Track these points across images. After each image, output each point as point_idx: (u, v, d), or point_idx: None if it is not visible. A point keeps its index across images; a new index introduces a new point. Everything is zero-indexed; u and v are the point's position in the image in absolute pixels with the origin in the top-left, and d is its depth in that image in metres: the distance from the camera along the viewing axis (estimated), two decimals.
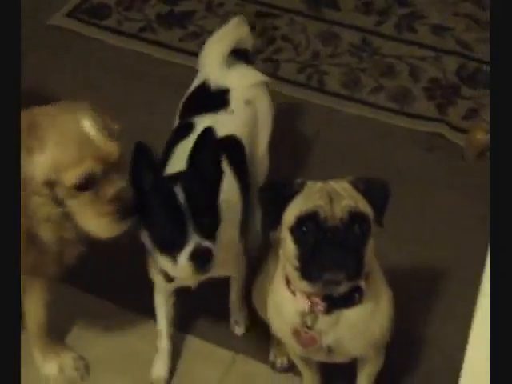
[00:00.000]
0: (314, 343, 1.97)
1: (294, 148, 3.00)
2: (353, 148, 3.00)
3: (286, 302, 1.98)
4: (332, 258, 1.84)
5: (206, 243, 1.93)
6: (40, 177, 1.89)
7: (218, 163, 2.02)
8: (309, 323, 1.94)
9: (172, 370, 2.40)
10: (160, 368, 2.37)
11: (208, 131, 2.00)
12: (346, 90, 3.20)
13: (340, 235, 1.84)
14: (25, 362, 2.36)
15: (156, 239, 1.99)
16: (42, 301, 2.33)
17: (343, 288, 1.91)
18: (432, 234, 2.73)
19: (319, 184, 1.90)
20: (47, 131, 1.90)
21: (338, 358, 2.07)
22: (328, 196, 1.86)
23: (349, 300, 1.94)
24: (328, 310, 1.93)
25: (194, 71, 2.55)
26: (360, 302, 1.94)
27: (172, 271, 2.08)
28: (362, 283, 1.94)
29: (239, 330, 2.48)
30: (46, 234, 2.01)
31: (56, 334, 2.43)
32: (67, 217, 1.97)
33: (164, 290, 2.27)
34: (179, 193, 1.92)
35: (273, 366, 2.42)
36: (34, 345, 2.41)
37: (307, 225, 1.84)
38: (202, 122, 2.26)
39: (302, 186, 1.90)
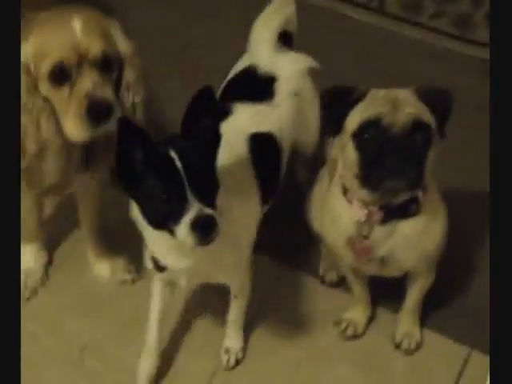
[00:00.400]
0: (368, 253, 1.98)
1: (350, 67, 2.97)
2: (409, 72, 2.96)
3: (342, 211, 1.99)
4: (394, 166, 1.82)
5: (208, 210, 1.72)
6: (24, 64, 1.91)
7: (215, 128, 1.82)
8: (364, 233, 1.94)
9: None
10: (146, 367, 2.22)
11: (206, 91, 1.77)
12: (407, 13, 3.15)
13: (402, 143, 1.82)
14: (79, 263, 2.48)
15: (150, 211, 1.77)
16: (92, 204, 2.37)
17: (401, 198, 1.91)
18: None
19: (383, 91, 1.88)
20: (37, 23, 1.93)
21: (390, 271, 2.07)
22: (391, 103, 1.84)
23: (405, 211, 1.93)
24: (384, 220, 1.93)
25: None
26: (416, 213, 1.94)
27: (162, 258, 1.93)
28: (420, 195, 1.93)
29: (230, 360, 2.27)
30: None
31: (111, 240, 2.47)
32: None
33: (161, 278, 2.11)
34: (175, 157, 1.72)
35: (322, 280, 2.43)
36: (87, 246, 2.45)
37: (369, 131, 1.83)
38: (241, 111, 2.11)
39: (365, 92, 1.88)
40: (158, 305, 2.17)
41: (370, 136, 1.83)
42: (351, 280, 2.25)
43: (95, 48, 1.90)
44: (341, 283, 2.41)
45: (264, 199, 2.10)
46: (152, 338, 2.20)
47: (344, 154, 1.91)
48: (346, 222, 1.98)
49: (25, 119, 1.94)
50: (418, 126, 1.83)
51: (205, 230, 1.71)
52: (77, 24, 1.90)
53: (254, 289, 2.28)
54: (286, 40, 2.30)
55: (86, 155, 2.09)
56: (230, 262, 1.99)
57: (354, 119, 1.86)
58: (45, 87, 1.93)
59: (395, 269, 2.06)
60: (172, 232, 1.74)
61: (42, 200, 2.38)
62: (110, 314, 2.38)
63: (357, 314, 2.32)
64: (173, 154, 1.72)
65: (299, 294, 2.43)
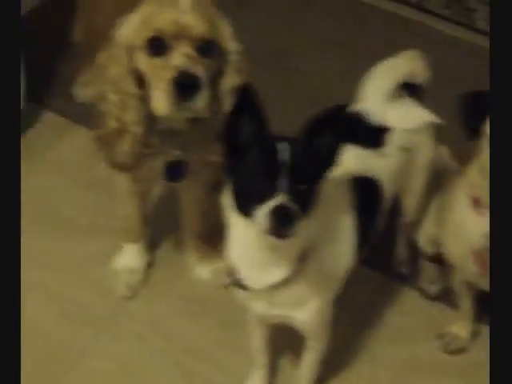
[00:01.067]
0: None
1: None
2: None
3: (471, 222, 1.96)
4: None
5: (294, 205, 1.68)
6: (129, 39, 1.92)
7: (335, 150, 1.76)
8: None
9: None
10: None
11: (341, 108, 1.75)
12: None
13: None
14: (179, 264, 2.47)
15: (240, 187, 1.74)
16: (196, 207, 2.36)
17: None
18: None
19: None
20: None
21: None
22: None
23: None
24: None
25: None
26: None
27: (243, 268, 1.84)
28: None
29: None
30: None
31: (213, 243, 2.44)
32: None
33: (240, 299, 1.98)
34: (283, 150, 1.69)
35: (423, 292, 2.42)
36: (189, 248, 2.44)
37: None
38: (349, 151, 1.96)
39: None
40: (257, 333, 2.14)
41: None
42: (461, 294, 2.24)
43: (198, 28, 1.89)
44: (442, 297, 2.40)
45: (358, 245, 2.00)
46: (259, 365, 2.20)
47: (480, 159, 1.89)
48: (475, 233, 1.96)
49: (114, 97, 1.95)
50: None
51: (282, 220, 1.67)
52: (188, 2, 1.90)
53: (352, 303, 2.30)
54: (412, 91, 2.19)
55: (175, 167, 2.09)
56: (311, 301, 1.92)
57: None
58: (141, 58, 1.92)
59: None
60: (251, 214, 1.70)
61: (147, 200, 2.37)
62: (211, 316, 2.37)
63: (461, 328, 2.30)
64: (283, 146, 1.70)
65: (398, 305, 2.42)
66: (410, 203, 2.29)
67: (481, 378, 2.25)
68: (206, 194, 2.30)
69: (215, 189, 2.15)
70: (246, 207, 1.72)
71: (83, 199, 2.59)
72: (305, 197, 1.71)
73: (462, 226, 2.00)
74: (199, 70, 1.88)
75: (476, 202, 1.96)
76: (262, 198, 1.67)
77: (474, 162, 1.95)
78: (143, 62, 1.93)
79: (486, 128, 1.86)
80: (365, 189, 2.01)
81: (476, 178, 1.94)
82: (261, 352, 2.18)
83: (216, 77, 1.97)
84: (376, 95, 2.12)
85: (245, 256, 1.83)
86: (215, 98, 1.97)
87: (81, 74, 2.74)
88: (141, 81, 1.95)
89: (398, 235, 2.43)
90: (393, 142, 2.09)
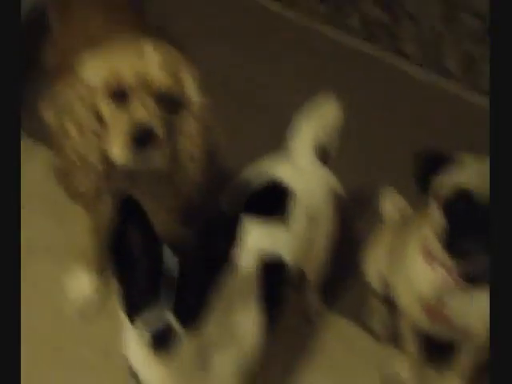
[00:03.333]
0: (445, 320, 2.01)
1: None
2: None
3: (422, 272, 2.01)
4: (480, 238, 1.84)
5: (175, 323, 1.62)
6: (92, 80, 1.94)
7: (230, 249, 1.70)
8: (444, 299, 1.98)
9: None
10: None
11: (237, 210, 1.76)
12: None
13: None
14: None
15: (126, 295, 1.67)
16: None
17: (481, 265, 1.92)
18: None
19: (474, 159, 1.90)
20: (112, 44, 1.98)
21: (458, 336, 2.11)
22: (483, 174, 1.84)
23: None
24: (464, 285, 1.96)
25: None
26: None
27: (135, 359, 1.80)
28: None
29: None
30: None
31: None
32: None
33: None
34: (170, 261, 1.63)
35: (372, 332, 2.47)
36: None
37: (461, 202, 1.86)
38: (250, 228, 1.90)
39: (457, 157, 1.91)
40: None
41: (462, 206, 1.86)
42: (408, 338, 2.28)
43: (161, 81, 1.91)
44: (390, 337, 2.45)
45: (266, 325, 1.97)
46: None
47: (431, 216, 1.94)
48: (426, 284, 2.01)
49: (77, 136, 1.97)
50: None
51: (162, 341, 1.61)
52: (152, 53, 1.93)
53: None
54: (322, 155, 2.20)
55: None
56: None
57: (446, 184, 1.90)
58: (102, 102, 1.94)
59: (464, 335, 2.10)
60: (132, 319, 1.65)
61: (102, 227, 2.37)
62: None
63: (405, 370, 2.35)
64: (167, 252, 1.64)
65: (348, 344, 2.46)
66: (312, 270, 2.34)
67: None
68: None
69: None
70: (130, 316, 1.66)
71: (43, 221, 2.61)
72: (191, 305, 1.66)
73: (413, 275, 2.05)
74: (157, 124, 1.90)
75: (428, 254, 2.00)
76: (143, 312, 1.62)
77: (426, 216, 2.00)
78: (103, 106, 1.95)
79: (437, 186, 1.91)
80: (270, 272, 1.96)
81: (428, 232, 1.99)
82: None
83: (177, 128, 1.99)
84: (304, 149, 2.14)
85: (141, 360, 1.79)
86: (176, 151, 2.00)
87: (47, 98, 2.75)
88: (102, 120, 1.97)
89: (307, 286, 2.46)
90: (299, 212, 2.06)
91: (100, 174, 2.00)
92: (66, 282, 2.46)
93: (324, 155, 2.18)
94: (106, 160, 1.97)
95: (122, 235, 1.66)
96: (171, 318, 1.61)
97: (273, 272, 1.98)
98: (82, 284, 2.45)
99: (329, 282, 2.49)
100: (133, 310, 1.64)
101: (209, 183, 2.13)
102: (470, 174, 1.88)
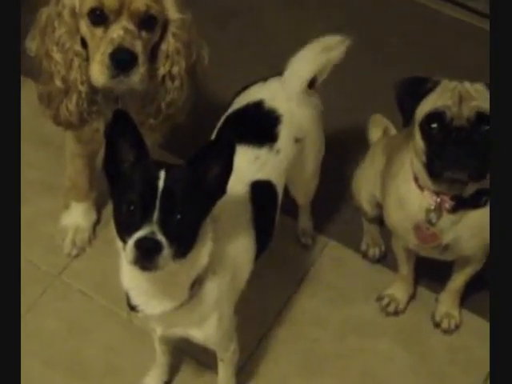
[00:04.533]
0: (434, 240, 2.03)
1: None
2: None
3: (412, 197, 2.03)
4: (455, 157, 1.88)
5: (161, 237, 1.60)
6: (70, 6, 1.94)
7: (223, 182, 1.70)
8: (433, 220, 1.99)
9: None
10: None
11: (230, 137, 1.72)
12: None
13: (465, 135, 1.88)
14: None
15: (117, 214, 1.68)
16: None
17: (470, 189, 1.96)
18: None
19: (453, 83, 1.93)
20: None
21: (449, 256, 2.13)
22: (459, 95, 1.89)
23: (476, 202, 1.98)
24: (454, 209, 1.98)
25: None
26: (486, 204, 1.99)
27: (133, 295, 1.80)
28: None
29: None
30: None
31: None
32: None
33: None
34: (161, 177, 1.62)
35: (364, 255, 2.49)
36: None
37: (435, 123, 1.90)
38: (242, 154, 1.90)
39: (436, 83, 1.94)
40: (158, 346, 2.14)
41: (436, 127, 1.90)
42: (401, 259, 2.31)
43: (139, 2, 1.90)
44: (383, 259, 2.48)
45: (257, 250, 1.98)
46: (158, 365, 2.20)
47: (413, 142, 1.97)
48: (416, 207, 2.02)
49: (59, 56, 1.97)
50: (483, 118, 1.88)
51: (146, 253, 1.60)
52: None
53: (295, 264, 2.32)
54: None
55: None
56: (210, 318, 1.88)
57: (422, 110, 1.92)
58: (83, 25, 1.95)
59: (455, 255, 2.12)
60: (125, 242, 1.65)
61: (95, 160, 2.38)
62: None
63: (399, 291, 2.38)
64: (161, 174, 1.63)
65: (341, 268, 2.48)
66: (302, 190, 2.34)
67: (416, 338, 2.36)
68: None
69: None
70: (121, 235, 1.67)
71: (32, 156, 2.59)
72: (181, 228, 1.63)
73: (404, 198, 2.06)
74: (137, 46, 1.90)
75: (415, 177, 2.02)
76: (132, 228, 1.62)
77: (411, 142, 2.02)
78: (84, 29, 1.95)
79: (417, 113, 1.93)
80: (261, 197, 1.97)
81: (413, 157, 2.00)
82: (163, 356, 2.18)
83: (158, 48, 1.98)
84: (296, 80, 2.09)
85: (134, 283, 1.78)
86: (156, 71, 2.00)
87: (34, 27, 2.71)
88: (85, 42, 1.97)
89: (299, 211, 2.48)
90: (285, 135, 2.05)
91: (84, 96, 2.00)
92: (61, 216, 2.48)
93: (312, 81, 2.15)
94: (90, 83, 1.98)
95: (113, 150, 1.66)
96: (161, 238, 1.60)
97: (264, 198, 1.99)
98: (76, 216, 2.45)
99: (320, 206, 2.50)
100: (125, 229, 1.64)
101: (192, 103, 2.12)
102: (446, 96, 1.90)
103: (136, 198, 1.62)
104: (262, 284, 2.24)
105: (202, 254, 1.74)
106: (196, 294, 1.79)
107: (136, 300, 1.80)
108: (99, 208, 2.50)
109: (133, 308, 1.82)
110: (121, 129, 1.65)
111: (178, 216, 1.62)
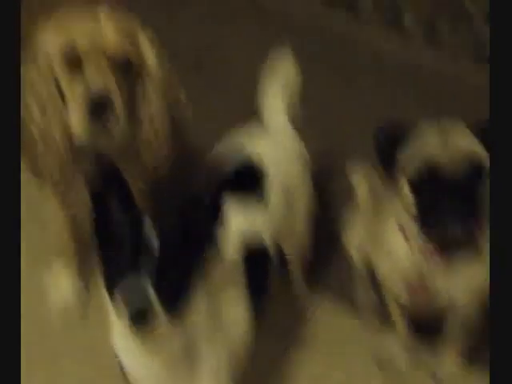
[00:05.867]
0: (425, 294, 1.98)
1: None
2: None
3: (400, 248, 1.96)
4: (450, 210, 1.80)
5: (155, 301, 1.54)
6: (49, 49, 1.88)
7: (213, 227, 1.63)
8: (424, 273, 1.94)
9: None
10: None
11: (217, 199, 1.63)
12: None
13: (457, 187, 1.79)
14: None
15: (105, 265, 1.61)
16: None
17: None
18: None
19: (436, 128, 1.84)
20: (68, 11, 1.91)
21: (443, 310, 2.08)
22: (446, 143, 1.80)
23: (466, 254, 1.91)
24: (442, 256, 1.91)
25: None
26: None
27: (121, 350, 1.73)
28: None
29: None
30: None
31: None
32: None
33: None
34: (151, 231, 1.56)
35: (359, 310, 2.42)
36: None
37: (424, 176, 1.81)
38: (234, 212, 1.85)
39: (417, 129, 1.85)
40: None
41: (426, 181, 1.81)
42: (395, 313, 2.24)
43: (116, 46, 1.85)
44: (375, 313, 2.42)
45: (254, 316, 1.90)
46: None
47: (401, 193, 1.88)
48: (405, 260, 1.97)
49: (34, 103, 1.89)
50: (473, 167, 1.80)
51: (141, 318, 1.54)
52: (105, 18, 1.87)
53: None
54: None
55: None
56: None
57: (408, 160, 1.84)
58: (57, 68, 1.88)
59: (448, 308, 2.07)
60: (112, 297, 1.57)
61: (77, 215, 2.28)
62: None
63: (395, 346, 2.31)
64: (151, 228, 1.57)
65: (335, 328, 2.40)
66: (294, 248, 2.29)
67: None
68: None
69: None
70: (110, 292, 1.58)
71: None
72: (175, 287, 1.58)
73: (394, 251, 2.00)
74: (114, 91, 1.84)
75: (404, 232, 1.96)
76: (122, 287, 1.54)
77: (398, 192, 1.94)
78: (61, 76, 1.88)
79: (402, 163, 1.85)
80: (254, 258, 1.89)
81: (400, 209, 1.93)
82: None
83: (136, 96, 1.93)
84: (276, 111, 2.12)
85: (124, 349, 1.72)
86: (136, 120, 1.94)
87: None
88: (63, 95, 1.90)
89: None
90: (274, 188, 2.00)
91: (63, 152, 1.92)
92: (45, 282, 2.40)
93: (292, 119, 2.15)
94: (70, 138, 1.90)
95: (101, 205, 1.59)
96: (151, 295, 1.53)
97: (256, 257, 1.92)
98: (62, 284, 2.39)
99: (311, 260, 2.44)
100: (113, 285, 1.56)
101: (176, 156, 2.07)
102: (433, 145, 1.82)
103: (125, 253, 1.55)
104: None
105: (195, 313, 1.66)
106: (191, 358, 1.72)
107: (124, 357, 1.72)
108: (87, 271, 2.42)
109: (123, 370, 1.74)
110: (109, 184, 1.58)
111: (170, 274, 1.55)
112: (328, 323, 2.40)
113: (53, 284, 2.40)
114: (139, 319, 1.53)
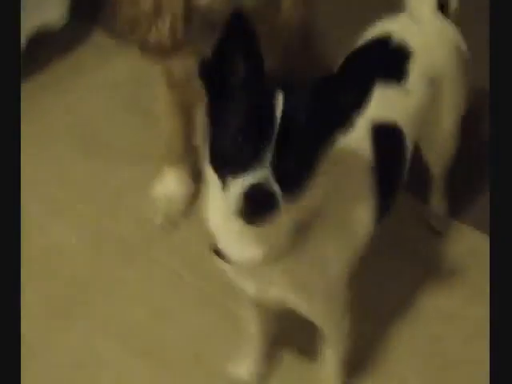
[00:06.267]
0: None
1: None
2: None
3: None
4: None
5: (276, 188, 1.28)
6: None
7: (356, 112, 1.38)
8: None
9: None
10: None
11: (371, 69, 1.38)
12: None
13: None
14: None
15: (216, 144, 1.35)
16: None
17: None
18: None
19: None
20: None
21: None
22: None
23: None
24: None
25: None
26: None
27: (221, 235, 1.46)
28: None
29: None
30: None
31: None
32: None
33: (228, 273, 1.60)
34: (278, 105, 1.30)
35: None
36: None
37: None
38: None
39: None
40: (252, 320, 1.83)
41: None
42: None
43: None
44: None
45: (378, 213, 1.64)
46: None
47: None
48: None
49: None
50: None
51: (257, 205, 1.28)
52: None
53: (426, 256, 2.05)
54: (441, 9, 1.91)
55: None
56: (317, 281, 1.55)
57: None
58: None
59: None
60: (225, 183, 1.33)
61: (192, 116, 2.14)
62: None
63: None
64: (280, 100, 1.31)
65: (480, 261, 2.08)
66: (437, 151, 2.00)
67: None
68: None
69: None
70: (219, 173, 1.34)
71: (123, 122, 2.42)
72: (299, 171, 1.33)
73: None
74: None
75: None
76: (237, 168, 1.29)
77: None
78: None
79: None
80: (386, 140, 1.63)
81: None
82: (254, 341, 1.86)
83: None
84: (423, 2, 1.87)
85: (222, 223, 1.44)
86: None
87: None
88: None
89: (432, 188, 2.16)
90: (417, 74, 1.74)
91: (179, 15, 1.73)
92: (152, 185, 2.24)
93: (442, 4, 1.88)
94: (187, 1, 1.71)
95: (222, 56, 1.32)
96: (276, 188, 1.28)
97: (389, 145, 1.66)
98: (169, 184, 2.21)
99: (456, 186, 2.17)
100: (227, 166, 1.31)
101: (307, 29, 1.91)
102: None
103: (248, 127, 1.29)
104: (382, 272, 2.00)
105: (314, 196, 1.40)
106: (301, 242, 1.45)
107: (223, 243, 1.46)
108: (197, 178, 2.17)
109: (219, 255, 1.48)
110: (235, 33, 1.30)
111: (296, 156, 1.30)
112: (468, 258, 2.13)
113: (160, 185, 2.24)
114: (256, 218, 1.29)
